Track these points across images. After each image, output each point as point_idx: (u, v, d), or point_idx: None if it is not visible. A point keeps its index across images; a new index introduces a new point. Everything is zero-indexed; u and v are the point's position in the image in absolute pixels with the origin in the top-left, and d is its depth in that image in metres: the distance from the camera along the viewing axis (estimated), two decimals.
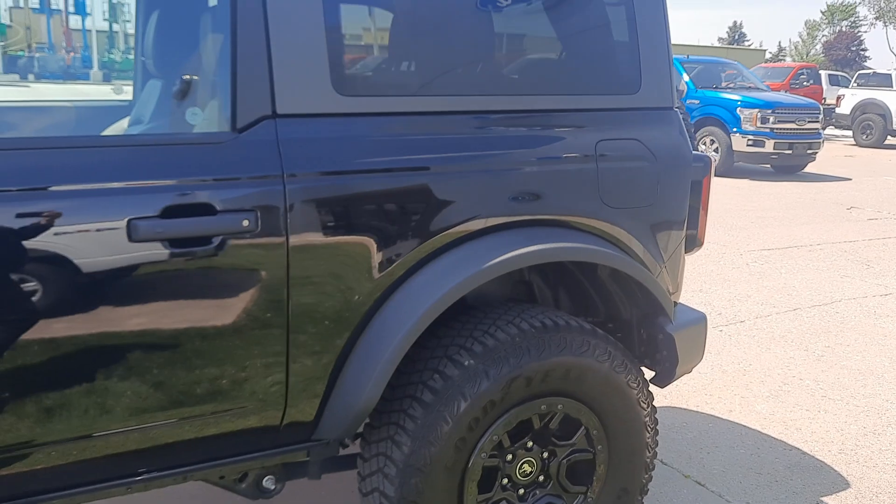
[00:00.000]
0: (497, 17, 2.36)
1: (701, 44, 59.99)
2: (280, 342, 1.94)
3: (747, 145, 12.71)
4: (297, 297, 1.93)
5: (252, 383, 1.94)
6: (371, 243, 2.00)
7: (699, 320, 2.65)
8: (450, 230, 2.10)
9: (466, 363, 2.11)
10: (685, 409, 3.85)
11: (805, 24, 75.32)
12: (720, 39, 77.44)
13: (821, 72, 25.81)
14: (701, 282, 6.18)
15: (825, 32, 71.93)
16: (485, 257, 2.11)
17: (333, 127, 1.99)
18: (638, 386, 2.37)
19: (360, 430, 2.23)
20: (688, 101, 13.31)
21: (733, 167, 13.01)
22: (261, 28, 1.90)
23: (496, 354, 2.14)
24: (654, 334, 2.56)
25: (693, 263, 6.69)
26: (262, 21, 1.90)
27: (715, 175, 12.67)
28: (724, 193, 10.92)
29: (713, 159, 2.66)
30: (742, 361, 4.50)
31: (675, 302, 2.63)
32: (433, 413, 2.08)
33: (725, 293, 5.90)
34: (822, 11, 72.95)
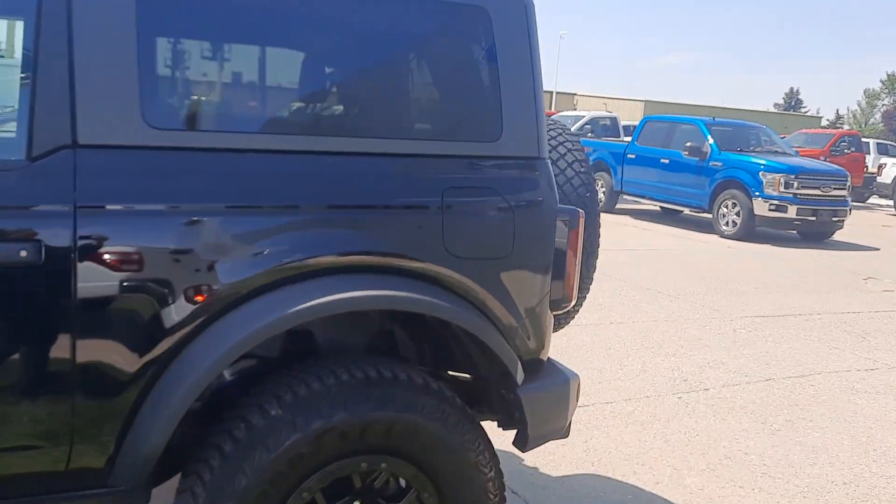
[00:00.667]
0: (329, 53, 2.32)
1: (756, 109, 59.68)
2: (63, 385, 1.88)
3: (769, 210, 12.40)
4: (84, 339, 1.87)
5: (36, 424, 1.88)
6: (169, 287, 1.94)
7: (561, 382, 2.51)
8: (260, 275, 2.03)
9: (273, 412, 2.01)
10: (608, 478, 3.65)
11: (864, 93, 74.41)
12: (776, 105, 76.87)
13: (869, 140, 25.32)
14: (678, 345, 5.96)
15: (885, 101, 70.96)
16: (278, 309, 2.02)
17: (142, 160, 1.94)
18: (477, 448, 2.23)
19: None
20: (711, 163, 13.13)
21: (755, 231, 12.70)
22: (64, 55, 1.88)
23: (308, 405, 2.03)
24: (506, 394, 2.43)
25: (674, 326, 6.48)
26: (65, 48, 1.88)
27: (733, 238, 12.53)
28: (737, 258, 10.65)
29: (581, 215, 2.52)
30: (690, 431, 4.28)
31: (541, 359, 2.49)
32: (231, 464, 1.97)
33: (699, 358, 5.67)
34: (881, 81, 72.18)
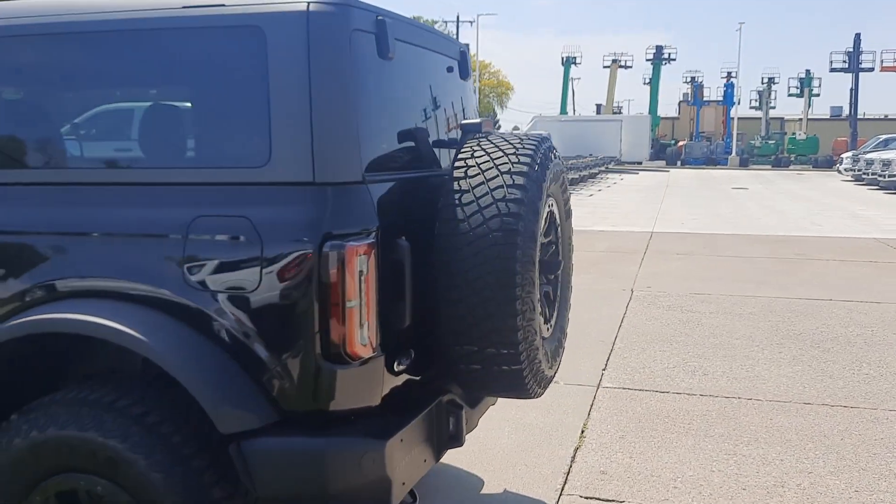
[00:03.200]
0: (69, 86, 2.54)
1: None
2: None
3: None
4: None
5: None
6: None
7: (335, 445, 2.27)
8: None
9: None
10: None
11: None
12: None
13: None
14: None
15: None
16: None
17: None
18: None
19: None
20: None
21: None
22: None
23: (33, 417, 2.32)
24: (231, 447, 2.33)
25: None
26: None
27: None
28: None
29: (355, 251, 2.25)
30: None
31: (326, 411, 2.28)
32: None
33: None
34: None
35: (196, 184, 2.34)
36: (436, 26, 65.19)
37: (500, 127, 63.39)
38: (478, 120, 2.93)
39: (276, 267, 2.21)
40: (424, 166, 2.76)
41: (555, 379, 5.30)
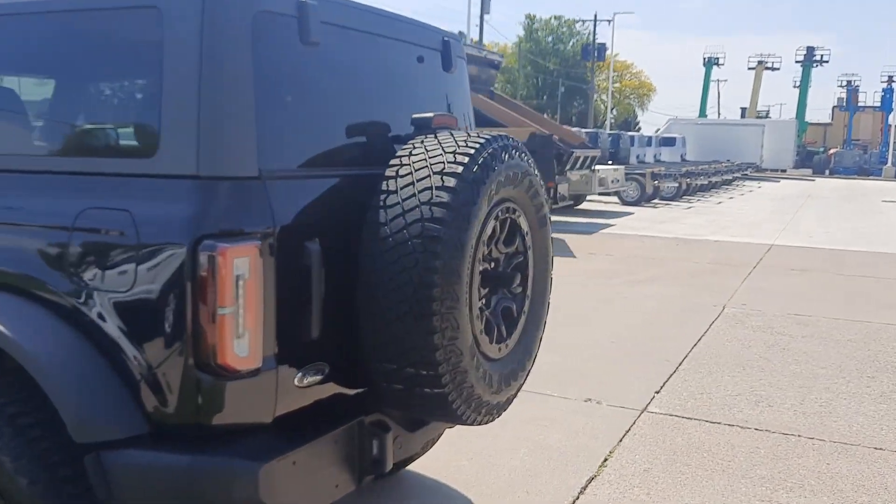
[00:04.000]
0: None
1: None
2: None
3: None
4: None
5: None
6: None
7: (209, 465, 2.08)
8: None
9: None
10: None
11: None
12: None
13: None
14: None
15: None
16: None
17: None
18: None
19: None
20: None
21: None
22: None
23: None
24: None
25: None
26: None
27: None
28: None
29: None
30: None
31: (207, 426, 2.11)
32: None
33: None
34: None
35: (87, 174, 2.22)
36: (575, 26, 64.33)
37: (639, 129, 61.57)
38: (429, 114, 2.65)
39: (150, 267, 2.06)
40: (365, 164, 2.51)
41: (596, 400, 5.02)
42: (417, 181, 2.31)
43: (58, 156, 2.34)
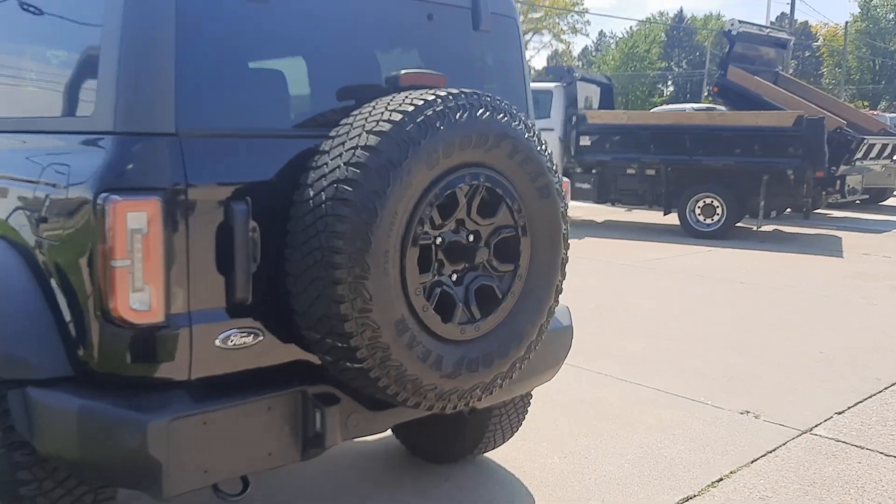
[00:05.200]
0: None
1: None
2: None
3: None
4: None
5: None
6: None
7: (111, 414, 2.13)
8: None
9: None
10: None
11: None
12: None
13: None
14: None
15: None
16: None
17: None
18: None
19: None
20: None
21: None
22: None
23: None
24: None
25: None
26: None
27: None
28: None
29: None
30: None
31: (113, 375, 2.19)
32: None
33: None
34: None
35: (47, 132, 2.46)
36: None
37: None
38: (400, 72, 2.46)
39: (70, 217, 2.17)
40: (320, 127, 2.38)
41: (755, 413, 4.35)
42: (348, 141, 2.17)
43: (23, 115, 2.63)
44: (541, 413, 4.17)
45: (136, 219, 2.06)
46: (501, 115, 2.34)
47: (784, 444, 4.03)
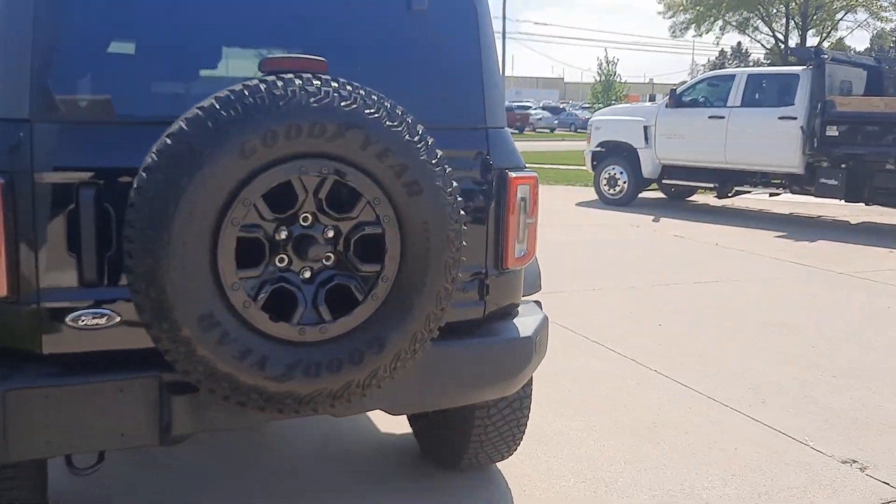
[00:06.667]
0: None
1: None
2: None
3: None
4: None
5: None
6: None
7: None
8: None
9: None
10: None
11: None
12: None
13: None
14: None
15: None
16: None
17: None
18: None
19: None
20: None
21: None
22: None
23: None
24: None
25: None
26: None
27: None
28: None
29: None
30: None
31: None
32: None
33: None
34: None
35: None
36: None
37: None
38: (278, 56, 2.31)
39: None
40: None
41: (862, 464, 3.58)
42: (169, 128, 2.12)
43: None
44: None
45: None
46: (348, 103, 2.13)
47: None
